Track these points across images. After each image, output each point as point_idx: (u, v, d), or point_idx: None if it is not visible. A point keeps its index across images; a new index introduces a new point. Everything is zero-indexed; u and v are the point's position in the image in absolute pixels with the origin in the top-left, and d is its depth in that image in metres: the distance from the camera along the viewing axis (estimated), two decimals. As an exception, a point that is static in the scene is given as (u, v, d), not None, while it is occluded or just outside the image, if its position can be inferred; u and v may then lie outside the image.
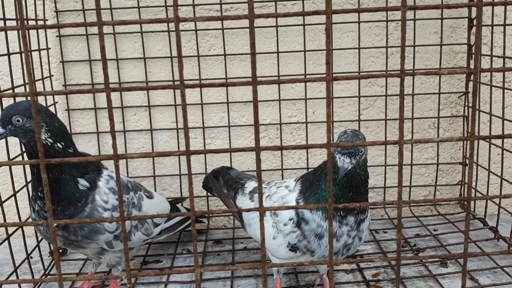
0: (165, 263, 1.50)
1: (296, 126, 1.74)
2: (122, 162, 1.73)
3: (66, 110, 1.69)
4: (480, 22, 0.58)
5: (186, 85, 0.56)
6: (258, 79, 1.74)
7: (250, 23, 0.53)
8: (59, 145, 1.13)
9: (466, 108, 1.71)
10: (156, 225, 1.40)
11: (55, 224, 0.58)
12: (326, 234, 1.08)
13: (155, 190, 1.73)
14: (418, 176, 1.77)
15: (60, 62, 1.66)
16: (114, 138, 0.56)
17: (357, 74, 1.69)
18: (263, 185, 1.30)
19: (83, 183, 1.19)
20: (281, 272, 1.22)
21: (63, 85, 1.68)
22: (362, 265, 1.40)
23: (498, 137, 0.64)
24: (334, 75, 1.69)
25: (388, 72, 1.68)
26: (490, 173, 1.62)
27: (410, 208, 1.75)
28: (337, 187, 1.06)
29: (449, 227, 1.62)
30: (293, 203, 1.13)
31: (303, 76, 1.69)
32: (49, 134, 1.11)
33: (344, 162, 1.02)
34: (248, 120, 1.72)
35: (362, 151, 1.03)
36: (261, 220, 0.59)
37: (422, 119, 1.73)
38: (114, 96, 1.70)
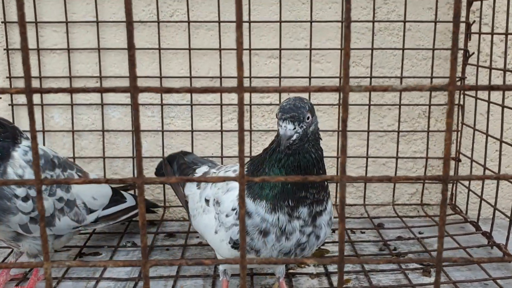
0: (104, 256, 1.29)
1: (269, 109, 1.53)
2: (68, 140, 1.52)
3: (7, 77, 1.48)
4: None
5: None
6: (227, 51, 1.53)
7: None
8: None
9: (461, 95, 1.50)
10: (91, 211, 1.18)
11: None
12: (273, 230, 0.88)
13: (105, 174, 1.52)
14: (405, 171, 1.56)
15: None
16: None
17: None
18: (213, 170, 1.09)
19: (-11, 151, 0.98)
20: (228, 274, 1.01)
21: (4, 49, 1.47)
22: (330, 268, 1.19)
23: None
24: (313, 51, 1.48)
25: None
26: (486, 170, 1.41)
27: (394, 207, 1.54)
28: (282, 169, 0.86)
29: (437, 230, 1.41)
30: (237, 190, 0.92)
31: (277, 51, 1.48)
32: None
33: (287, 129, 0.82)
34: (214, 99, 1.51)
35: (309, 117, 0.85)
36: (241, 192, 0.38)
37: (412, 106, 1.53)
38: (63, 64, 1.49)
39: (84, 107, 1.52)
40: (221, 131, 1.51)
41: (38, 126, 1.50)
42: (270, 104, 1.52)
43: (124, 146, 1.54)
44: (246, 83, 1.50)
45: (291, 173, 0.87)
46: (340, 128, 1.51)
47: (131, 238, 1.40)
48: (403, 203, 1.57)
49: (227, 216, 0.91)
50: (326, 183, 0.91)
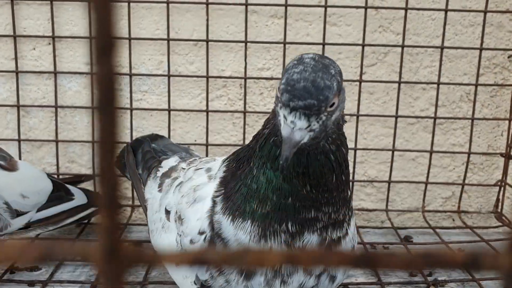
0: (43, 273, 0.97)
1: (269, 84, 1.19)
2: (12, 117, 1.19)
3: None
4: None
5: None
6: (216, 7, 1.19)
7: None
8: None
9: (519, 74, 1.16)
10: (19, 213, 0.86)
11: None
12: (261, 269, 0.55)
13: (58, 161, 1.19)
14: (439, 169, 1.22)
15: None
16: None
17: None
18: (183, 165, 0.76)
19: None
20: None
21: None
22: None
23: None
24: (329, 9, 1.14)
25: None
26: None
27: (424, 215, 1.21)
28: (278, 174, 0.56)
29: (481, 248, 1.08)
30: (208, 201, 0.60)
31: (282, 8, 1.14)
32: None
33: (295, 129, 0.51)
34: (198, 69, 1.18)
35: (334, 103, 0.53)
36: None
37: (452, 86, 1.19)
38: (5, 19, 1.15)
39: (33, 76, 1.18)
40: (207, 111, 1.18)
41: (-26, 98, 1.18)
42: (271, 79, 1.18)
43: (83, 127, 1.21)
44: (240, 49, 1.17)
45: (293, 181, 0.55)
46: (360, 112, 1.18)
47: (83, 246, 1.07)
48: (435, 210, 1.24)
49: (191, 242, 0.59)
50: (349, 194, 0.58)
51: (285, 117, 0.51)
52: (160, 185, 0.73)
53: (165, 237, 0.65)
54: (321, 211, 0.57)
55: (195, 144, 1.19)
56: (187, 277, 0.60)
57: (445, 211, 1.24)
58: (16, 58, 1.16)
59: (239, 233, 0.55)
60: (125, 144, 1.16)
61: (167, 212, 0.66)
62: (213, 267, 0.57)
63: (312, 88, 0.51)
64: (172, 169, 0.75)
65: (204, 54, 1.16)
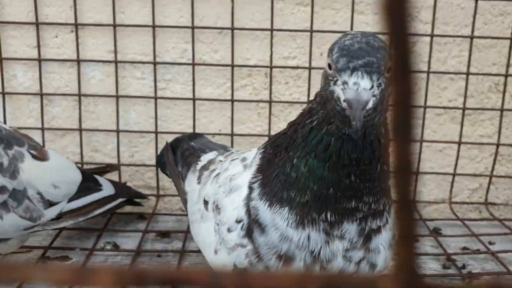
0: (74, 263, 0.96)
1: (295, 73, 1.17)
2: (35, 106, 1.18)
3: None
4: None
5: None
6: None
7: None
8: None
9: (551, 63, 1.14)
10: (51, 204, 0.85)
11: None
12: (300, 255, 0.55)
13: (82, 151, 1.18)
14: (467, 161, 1.21)
15: None
16: None
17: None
18: (220, 157, 0.75)
19: None
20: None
21: None
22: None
23: None
24: (357, -3, 1.12)
25: None
26: None
27: (451, 207, 1.20)
28: (323, 163, 0.53)
29: (511, 241, 1.08)
30: (244, 189, 0.59)
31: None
32: None
33: (360, 89, 0.49)
34: (223, 57, 1.16)
35: (390, 68, 0.50)
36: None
37: (481, 76, 1.17)
38: (27, 6, 1.13)
39: (56, 64, 1.17)
40: (232, 100, 1.17)
41: (-4, 87, 1.16)
42: (297, 67, 1.16)
43: (107, 116, 1.19)
44: (266, 37, 1.15)
45: (338, 171, 0.54)
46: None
47: (112, 237, 1.06)
48: (462, 201, 1.22)
49: (229, 230, 0.59)
50: (385, 182, 0.58)
51: (345, 83, 0.49)
52: (199, 178, 0.72)
53: (203, 227, 0.65)
54: (362, 201, 0.56)
55: (219, 134, 1.18)
56: (225, 266, 0.59)
57: (472, 203, 1.22)
58: (38, 46, 1.14)
59: (276, 219, 0.55)
60: (152, 134, 1.16)
61: (206, 203, 0.66)
62: (252, 253, 0.57)
63: (368, 47, 0.50)
64: (211, 162, 0.75)
65: (229, 42, 1.14)
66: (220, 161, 0.73)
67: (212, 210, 0.64)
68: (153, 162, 1.17)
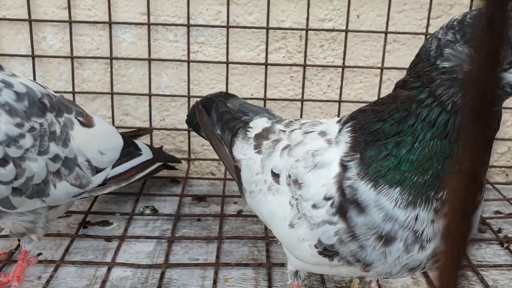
0: (116, 227, 0.98)
1: (330, 36, 1.16)
2: (65, 69, 1.16)
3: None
4: None
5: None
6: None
7: None
8: None
9: None
10: (97, 170, 0.86)
11: None
12: (402, 236, 0.55)
13: (113, 114, 1.18)
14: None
15: None
16: None
17: None
18: (279, 126, 0.74)
19: None
20: (301, 277, 0.70)
21: None
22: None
23: None
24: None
25: None
26: None
27: (482, 171, 1.21)
28: (443, 142, 0.53)
29: (542, 204, 1.10)
30: (335, 167, 0.58)
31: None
32: None
33: None
34: (257, 19, 1.14)
35: None
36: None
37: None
38: (55, -35, 1.10)
39: (87, 26, 1.14)
40: (266, 64, 1.15)
41: (25, 50, 1.14)
42: (333, 30, 1.14)
43: (138, 79, 1.18)
44: None
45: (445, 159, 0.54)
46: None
47: (149, 201, 1.08)
48: (490, 165, 1.24)
49: (315, 206, 0.58)
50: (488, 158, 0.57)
51: None
52: (258, 147, 0.71)
53: (273, 199, 0.65)
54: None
55: (252, 99, 1.17)
56: (304, 240, 0.60)
57: (500, 166, 1.24)
58: (69, 7, 1.11)
59: (381, 199, 0.54)
60: (184, 98, 1.15)
61: (275, 175, 0.65)
62: (345, 232, 0.56)
63: None
64: (268, 130, 0.73)
65: (264, 4, 1.12)
66: (282, 130, 0.71)
67: (287, 184, 0.63)
68: (185, 126, 1.17)
